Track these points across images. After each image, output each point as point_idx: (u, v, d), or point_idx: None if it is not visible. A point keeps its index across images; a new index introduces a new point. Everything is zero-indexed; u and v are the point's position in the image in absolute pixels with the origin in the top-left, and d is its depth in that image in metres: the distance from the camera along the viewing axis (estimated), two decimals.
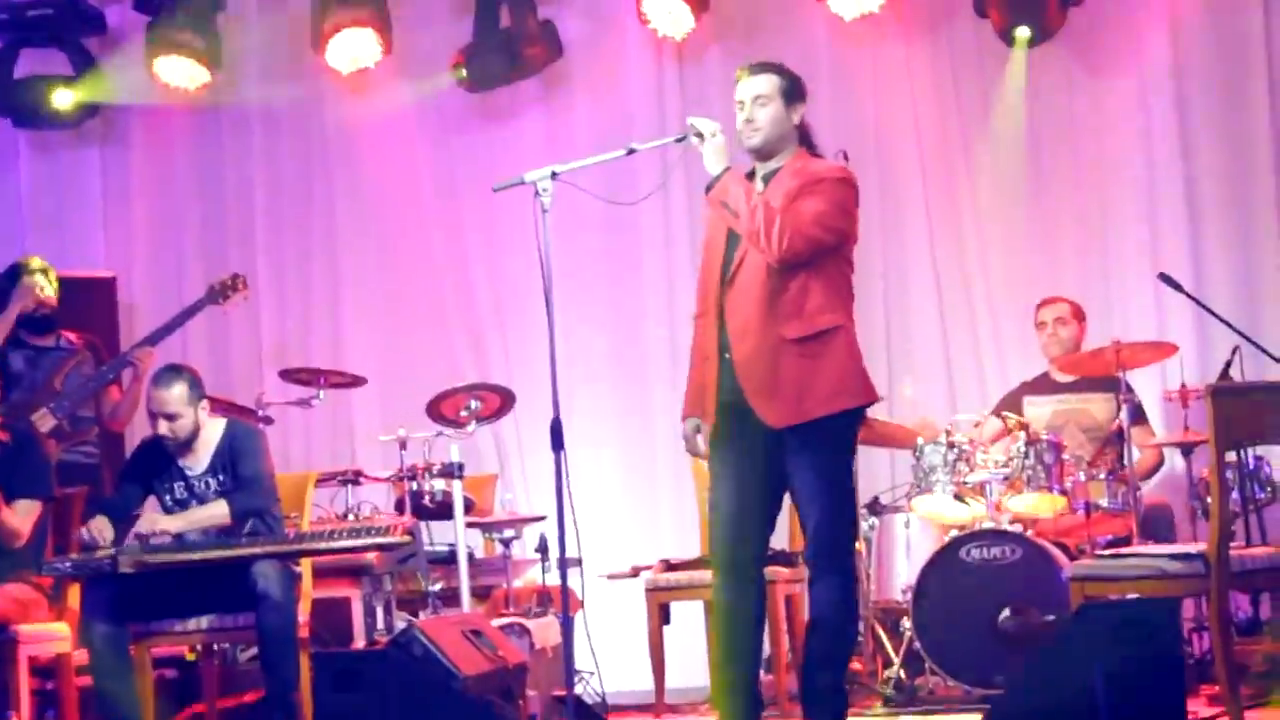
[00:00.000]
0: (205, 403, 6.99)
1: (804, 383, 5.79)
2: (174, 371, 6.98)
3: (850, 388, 5.85)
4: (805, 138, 6.04)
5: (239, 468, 6.94)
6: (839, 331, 5.85)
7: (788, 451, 5.81)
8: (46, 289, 8.25)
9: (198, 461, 6.98)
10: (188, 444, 6.95)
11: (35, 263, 8.31)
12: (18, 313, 8.19)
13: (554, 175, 5.81)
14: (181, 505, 6.94)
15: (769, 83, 5.96)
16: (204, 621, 6.77)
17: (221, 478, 6.94)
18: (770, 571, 7.10)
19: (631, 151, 6.06)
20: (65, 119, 9.85)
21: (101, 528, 6.76)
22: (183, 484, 6.97)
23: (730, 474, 5.92)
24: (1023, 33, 9.12)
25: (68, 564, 6.66)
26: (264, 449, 7.07)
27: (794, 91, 5.99)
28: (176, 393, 6.88)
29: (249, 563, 6.58)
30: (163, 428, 6.89)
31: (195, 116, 10.00)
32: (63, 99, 9.74)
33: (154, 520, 6.79)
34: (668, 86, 9.68)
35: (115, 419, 8.31)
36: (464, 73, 9.50)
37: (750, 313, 5.83)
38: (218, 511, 6.85)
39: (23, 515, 6.90)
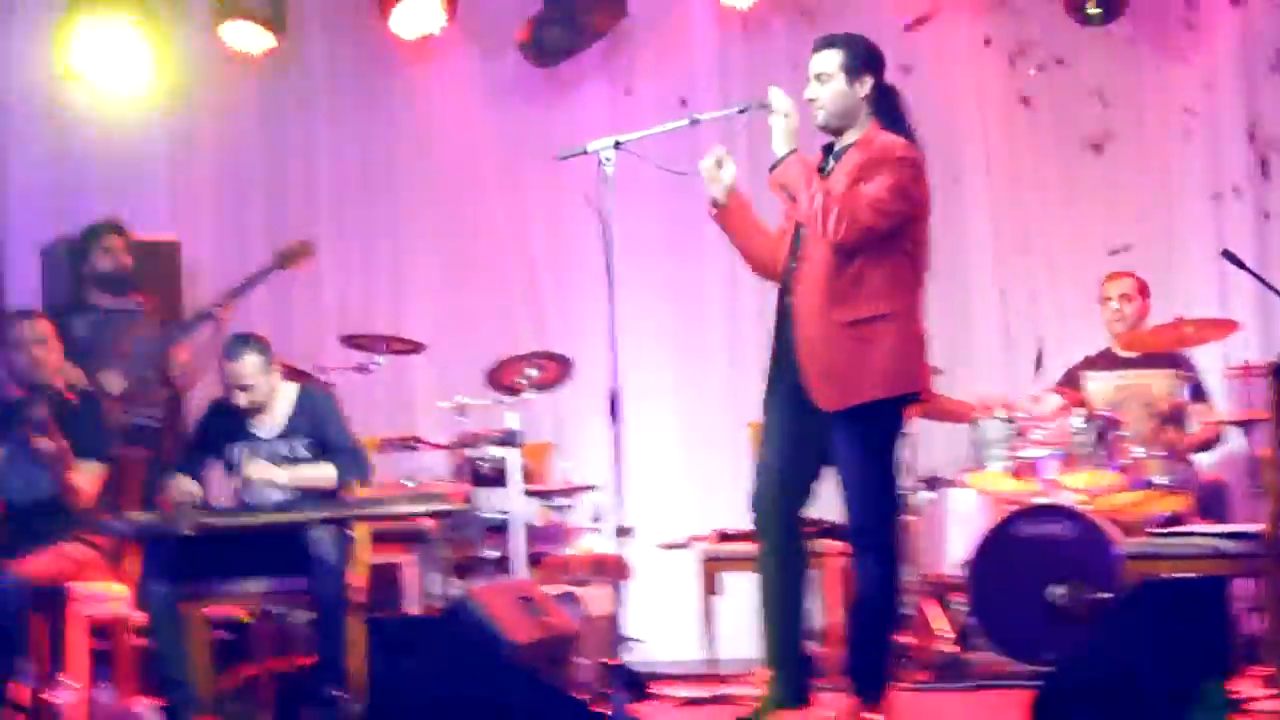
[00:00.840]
0: (278, 367, 7.04)
1: (854, 367, 5.82)
2: (243, 341, 7.01)
3: (899, 375, 5.87)
4: (883, 108, 6.01)
5: (330, 435, 6.99)
6: (893, 317, 5.86)
7: (835, 431, 5.86)
8: (122, 251, 8.34)
9: (270, 425, 7.02)
10: (260, 408, 7.00)
11: (111, 224, 8.40)
12: (94, 273, 8.28)
13: (617, 145, 5.82)
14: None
15: (832, 58, 5.96)
16: (259, 584, 6.81)
17: (294, 443, 6.97)
18: (824, 544, 7.15)
19: (695, 122, 6.09)
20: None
21: (188, 487, 6.83)
22: (250, 446, 7.00)
23: (781, 436, 5.99)
24: (1095, 10, 9.06)
25: (128, 524, 6.72)
26: (344, 414, 7.14)
27: (860, 64, 5.97)
28: (250, 362, 6.92)
29: (305, 527, 6.63)
30: (240, 399, 6.93)
31: (260, 82, 10.02)
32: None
33: (265, 468, 6.84)
34: (731, 58, 9.66)
35: (188, 378, 8.35)
36: (531, 48, 9.52)
37: (811, 294, 5.87)
38: (325, 474, 6.92)
39: (87, 476, 6.98)
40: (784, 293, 5.99)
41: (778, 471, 6.00)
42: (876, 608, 5.98)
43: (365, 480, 7.03)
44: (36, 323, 7.19)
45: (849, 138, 5.99)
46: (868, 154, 5.87)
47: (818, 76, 5.96)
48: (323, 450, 6.95)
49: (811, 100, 5.96)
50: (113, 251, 8.30)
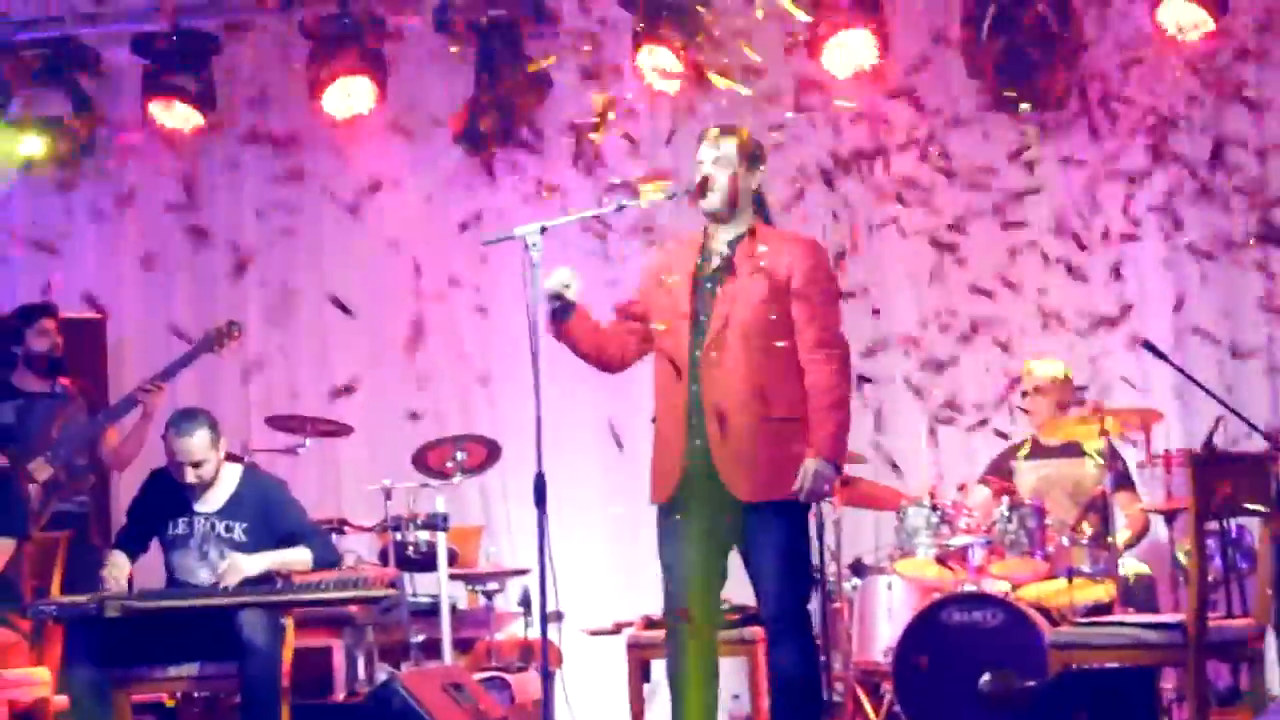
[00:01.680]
0: (224, 442, 7.01)
1: (777, 463, 5.91)
2: (191, 417, 6.98)
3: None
4: (761, 204, 6.17)
5: (292, 522, 6.97)
6: (805, 420, 5.97)
7: (750, 523, 5.93)
8: (55, 333, 8.30)
9: (209, 501, 6.98)
10: (207, 485, 6.96)
11: (46, 306, 8.38)
12: (23, 356, 8.23)
13: (543, 230, 5.83)
14: (181, 542, 6.93)
15: (730, 146, 6.06)
16: (187, 669, 6.74)
17: (233, 524, 6.93)
18: (751, 632, 7.17)
19: (622, 208, 6.13)
20: (59, 159, 9.87)
21: (116, 571, 6.78)
22: (187, 519, 6.96)
23: (683, 535, 6.02)
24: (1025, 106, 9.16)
25: (53, 607, 6.66)
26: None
27: (755, 156, 6.10)
28: (199, 438, 6.89)
29: (234, 611, 6.58)
30: (189, 476, 6.88)
31: (187, 159, 10.01)
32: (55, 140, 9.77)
33: (235, 562, 6.77)
34: (660, 141, 9.70)
35: (118, 461, 8.30)
36: (464, 139, 9.57)
37: (732, 387, 5.92)
38: (301, 559, 6.88)
39: None
40: (689, 381, 5.98)
41: (685, 577, 6.02)
42: (803, 691, 6.04)
43: (336, 564, 7.01)
44: None
45: (737, 227, 6.08)
46: (795, 261, 6.00)
47: (715, 161, 6.04)
48: (265, 536, 6.90)
49: (706, 182, 6.04)
50: (48, 333, 8.25)
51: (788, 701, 6.04)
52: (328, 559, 6.95)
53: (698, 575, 6.03)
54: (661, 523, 6.08)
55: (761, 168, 6.11)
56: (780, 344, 5.95)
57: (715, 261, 6.06)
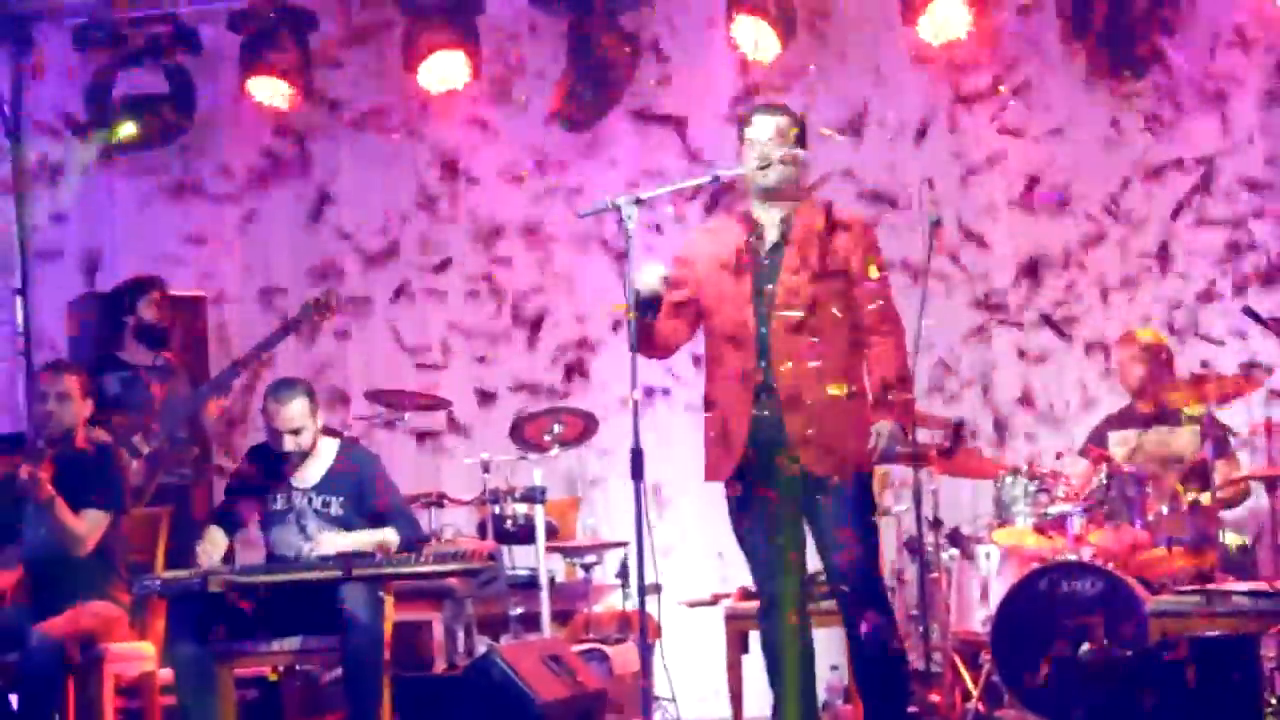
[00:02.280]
0: (320, 414, 7.07)
1: (847, 435, 6.02)
2: (291, 385, 7.06)
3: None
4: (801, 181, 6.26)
5: (383, 499, 7.02)
6: (862, 394, 6.10)
7: (822, 496, 6.00)
8: (164, 306, 8.41)
9: (306, 477, 7.05)
10: (305, 455, 7.01)
11: (155, 279, 8.47)
12: (133, 327, 8.33)
13: (639, 201, 5.84)
14: (280, 518, 7.01)
15: (785, 123, 6.12)
16: (289, 643, 6.81)
17: (330, 498, 6.99)
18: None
19: (717, 179, 6.13)
20: (159, 137, 9.96)
21: (211, 547, 6.85)
22: (285, 496, 7.03)
23: (760, 512, 6.09)
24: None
25: (156, 582, 6.73)
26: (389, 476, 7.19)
27: (803, 134, 6.18)
28: (298, 406, 6.97)
29: (336, 586, 6.63)
30: (289, 444, 6.95)
31: (286, 135, 10.07)
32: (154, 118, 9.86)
33: (333, 540, 6.84)
34: None
35: (218, 434, 8.38)
36: (562, 115, 9.59)
37: (802, 363, 5.98)
38: (389, 539, 6.93)
39: (89, 524, 6.98)
40: (757, 358, 6.03)
41: (772, 557, 6.10)
42: (891, 659, 6.12)
43: (425, 541, 7.07)
44: (62, 376, 7.21)
45: (789, 205, 6.13)
46: (852, 236, 6.09)
47: (771, 139, 6.10)
48: (359, 511, 6.96)
49: (764, 159, 6.07)
50: (157, 305, 8.35)
51: (879, 670, 6.11)
52: (413, 539, 7.00)
53: (781, 551, 6.10)
54: (734, 502, 6.15)
55: (807, 145, 6.16)
56: (840, 319, 6.04)
57: (771, 239, 6.11)
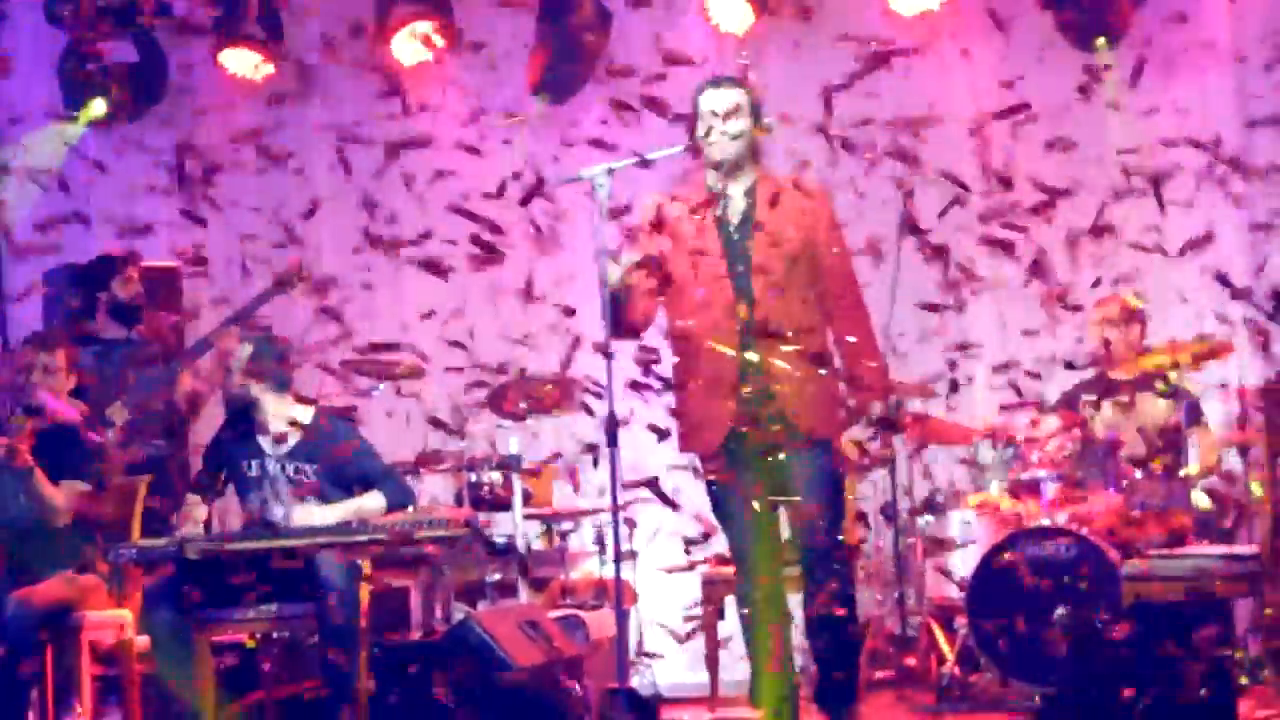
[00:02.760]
0: (290, 378, 7.10)
1: (826, 404, 6.12)
2: (252, 334, 7.17)
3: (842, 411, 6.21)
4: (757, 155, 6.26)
5: (360, 463, 7.03)
6: (831, 360, 6.18)
7: (800, 464, 6.06)
8: (138, 282, 8.39)
9: (280, 445, 7.05)
10: (265, 421, 7.02)
11: (131, 254, 8.47)
12: (107, 303, 8.32)
13: (610, 171, 5.85)
14: (255, 485, 7.01)
15: (740, 97, 6.12)
16: (267, 611, 6.82)
17: (301, 464, 7.00)
18: None
19: (689, 148, 6.14)
20: (131, 110, 9.94)
21: (194, 512, 6.86)
22: (259, 463, 7.04)
23: (743, 483, 6.12)
24: (1101, 42, 9.14)
25: (133, 550, 6.72)
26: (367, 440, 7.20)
27: (759, 106, 6.18)
28: (247, 351, 7.02)
29: (313, 553, 6.64)
30: (235, 378, 6.99)
31: (257, 107, 10.06)
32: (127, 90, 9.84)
33: (310, 513, 6.85)
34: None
35: (192, 406, 8.38)
36: (544, 94, 9.59)
37: (782, 334, 6.01)
38: (376, 505, 6.95)
39: (68, 494, 6.99)
40: (740, 332, 6.05)
41: (750, 525, 6.14)
42: (850, 625, 6.22)
43: (412, 505, 7.08)
44: (53, 350, 7.23)
45: (747, 178, 6.15)
46: (810, 209, 6.14)
47: (726, 114, 6.10)
48: (334, 479, 6.97)
49: (721, 135, 6.09)
50: (132, 281, 8.34)
51: (838, 636, 6.20)
52: (401, 500, 7.01)
53: (759, 519, 6.14)
54: (714, 474, 6.16)
55: (766, 118, 6.17)
56: (810, 289, 6.11)
57: (738, 213, 6.13)
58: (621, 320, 6.05)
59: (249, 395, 7.01)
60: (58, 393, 7.18)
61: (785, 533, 6.25)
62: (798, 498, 6.07)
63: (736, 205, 6.14)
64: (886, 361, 6.35)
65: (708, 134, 6.07)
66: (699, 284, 6.07)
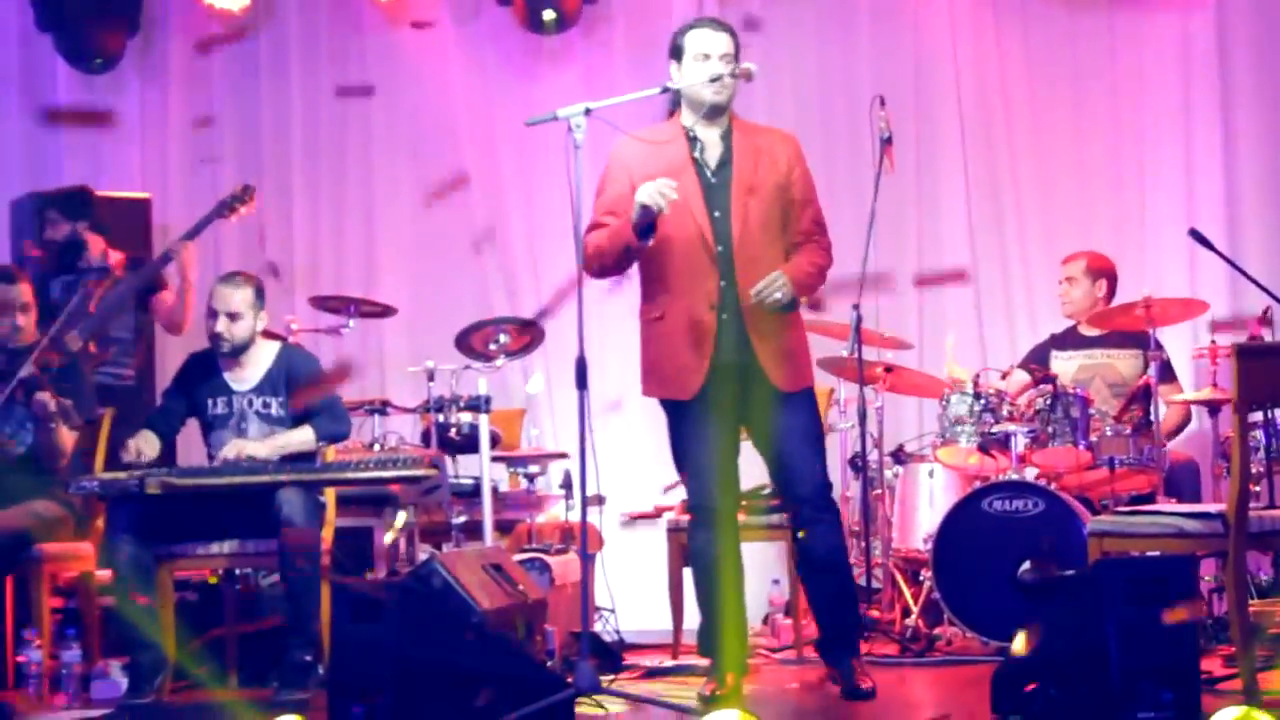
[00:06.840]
0: (264, 316, 7.04)
1: (799, 350, 6.21)
2: (244, 276, 7.09)
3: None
4: None
5: (310, 394, 6.99)
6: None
7: (780, 410, 6.09)
8: (64, 224, 8.36)
9: (245, 379, 7.02)
10: (236, 357, 6.98)
11: (64, 195, 8.46)
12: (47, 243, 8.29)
13: (587, 111, 5.79)
14: (221, 421, 6.98)
15: (732, 42, 6.12)
16: (228, 546, 6.80)
17: (269, 399, 6.97)
18: (784, 518, 7.22)
19: (666, 90, 6.10)
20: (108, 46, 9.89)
21: (143, 444, 6.81)
22: (225, 399, 7.01)
23: (709, 431, 6.11)
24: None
25: (95, 483, 6.66)
26: (325, 374, 7.16)
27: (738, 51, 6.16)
28: (242, 295, 6.95)
29: (274, 489, 6.61)
30: (221, 325, 6.92)
31: (234, 41, 10.00)
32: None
33: (240, 446, 6.81)
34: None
35: (173, 326, 8.32)
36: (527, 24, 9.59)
37: (759, 279, 5.96)
38: (304, 437, 6.93)
39: (68, 437, 6.97)
40: (719, 277, 6.03)
41: (714, 468, 6.12)
42: (845, 567, 6.32)
43: (344, 437, 7.06)
44: (19, 286, 7.18)
45: (724, 121, 6.15)
46: (785, 155, 6.18)
47: (723, 56, 6.08)
48: (296, 411, 6.96)
49: (720, 79, 6.06)
50: (57, 224, 8.31)
51: (834, 580, 6.23)
52: (333, 433, 7.00)
53: (728, 467, 6.15)
54: (684, 418, 6.14)
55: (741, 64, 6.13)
56: (785, 233, 6.14)
57: (715, 157, 6.11)
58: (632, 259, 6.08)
59: (253, 337, 6.98)
60: (32, 328, 7.16)
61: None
62: (788, 442, 6.11)
63: (713, 150, 6.10)
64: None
65: (707, 76, 6.01)
66: (675, 229, 6.02)
